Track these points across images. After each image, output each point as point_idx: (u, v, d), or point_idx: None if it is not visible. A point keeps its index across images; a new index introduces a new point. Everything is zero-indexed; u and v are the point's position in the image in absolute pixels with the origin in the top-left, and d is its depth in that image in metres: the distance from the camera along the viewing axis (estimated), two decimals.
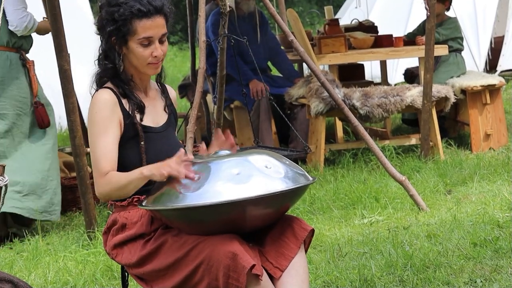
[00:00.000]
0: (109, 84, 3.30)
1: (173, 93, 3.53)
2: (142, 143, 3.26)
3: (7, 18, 5.97)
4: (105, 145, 3.19)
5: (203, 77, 5.67)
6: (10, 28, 5.99)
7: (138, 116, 3.29)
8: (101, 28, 3.28)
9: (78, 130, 5.46)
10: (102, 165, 3.17)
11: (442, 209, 5.60)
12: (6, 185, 3.18)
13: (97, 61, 3.34)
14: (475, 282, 4.18)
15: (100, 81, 3.32)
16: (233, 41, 5.71)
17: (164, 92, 3.46)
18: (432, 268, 4.37)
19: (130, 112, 3.27)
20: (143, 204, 3.14)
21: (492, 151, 7.42)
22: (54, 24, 5.30)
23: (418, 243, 4.80)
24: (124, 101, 3.28)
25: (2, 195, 3.18)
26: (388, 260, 4.50)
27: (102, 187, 3.17)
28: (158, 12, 3.23)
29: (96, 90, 3.31)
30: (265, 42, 7.93)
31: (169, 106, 3.44)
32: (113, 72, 3.29)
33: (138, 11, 3.20)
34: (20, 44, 6.08)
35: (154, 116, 3.35)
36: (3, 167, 3.22)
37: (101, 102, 3.24)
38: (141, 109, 3.31)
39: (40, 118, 6.06)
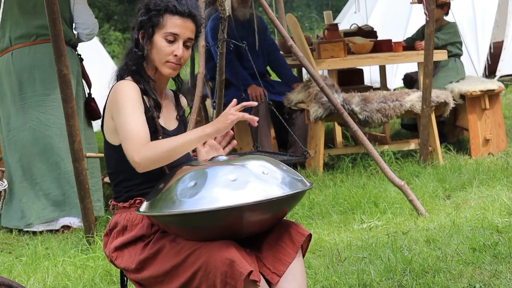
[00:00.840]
0: (130, 78, 3.31)
1: (184, 101, 3.55)
2: (160, 137, 3.25)
3: (78, 20, 6.33)
4: (140, 119, 3.17)
5: (202, 82, 5.68)
6: (83, 31, 6.36)
7: (155, 113, 3.30)
8: (134, 24, 3.33)
9: (77, 135, 5.45)
10: (141, 135, 3.13)
11: (441, 214, 5.60)
12: (5, 190, 3.18)
13: (126, 54, 3.36)
14: (474, 287, 4.18)
15: (127, 71, 3.32)
16: (232, 46, 5.71)
17: (178, 102, 3.48)
18: (431, 273, 4.37)
19: (149, 107, 3.28)
20: (140, 210, 3.14)
21: (491, 156, 7.42)
22: (53, 28, 5.29)
23: (417, 248, 4.80)
24: (144, 97, 3.29)
25: (1, 199, 3.18)
26: (387, 265, 4.50)
27: (148, 151, 3.09)
28: (191, 16, 3.28)
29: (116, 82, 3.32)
30: (264, 47, 7.93)
31: (181, 116, 3.46)
32: (139, 63, 3.30)
33: (174, 7, 3.25)
34: (75, 42, 6.41)
35: (167, 119, 3.35)
36: (2, 171, 3.22)
37: (128, 86, 3.24)
38: (159, 107, 3.32)
39: (94, 110, 6.41)
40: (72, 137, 5.46)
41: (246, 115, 3.12)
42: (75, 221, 6.16)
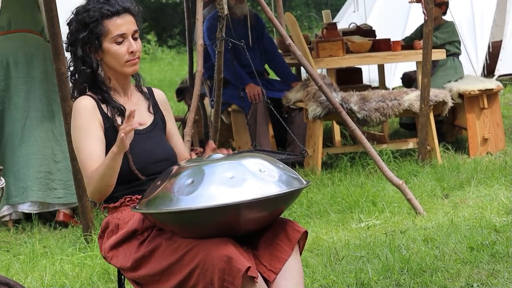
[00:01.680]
0: (88, 92, 3.36)
1: (161, 94, 3.56)
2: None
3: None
4: (88, 146, 3.24)
5: (200, 81, 5.67)
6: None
7: (119, 120, 3.32)
8: (73, 42, 3.34)
9: None
10: (88, 165, 3.22)
11: (439, 213, 5.60)
12: (3, 188, 3.18)
13: (69, 74, 3.39)
14: (472, 286, 4.18)
15: (80, 89, 3.38)
16: (230, 44, 5.71)
17: (148, 95, 3.48)
18: (429, 272, 4.37)
19: (110, 116, 3.31)
20: (137, 207, 3.14)
21: (490, 156, 7.42)
22: (51, 27, 5.29)
23: (415, 247, 4.80)
24: (103, 106, 3.33)
25: None
26: (385, 264, 4.50)
27: (89, 185, 3.22)
28: (126, 10, 3.31)
29: (75, 99, 3.37)
30: (262, 45, 7.93)
31: (153, 107, 3.46)
32: (91, 78, 3.34)
33: (108, 10, 3.28)
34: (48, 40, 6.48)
35: (137, 118, 3.34)
36: (1, 169, 3.22)
37: (80, 107, 3.30)
38: (122, 112, 3.34)
39: None
40: (69, 136, 5.44)
41: (132, 125, 3.09)
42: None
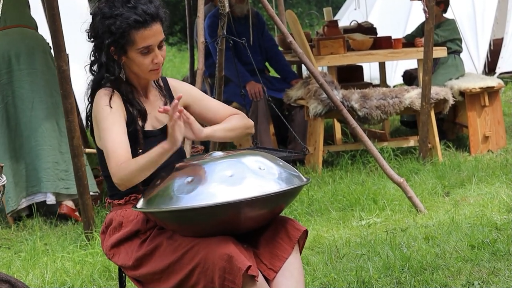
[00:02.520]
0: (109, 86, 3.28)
1: (175, 83, 3.48)
2: (141, 151, 3.23)
3: None
4: (118, 135, 3.15)
5: (201, 78, 5.67)
6: None
7: (140, 123, 3.28)
8: (96, 38, 3.26)
9: (76, 131, 5.45)
10: (119, 153, 3.11)
11: (440, 211, 5.60)
12: (4, 185, 3.18)
13: (90, 67, 3.32)
14: (473, 284, 4.17)
15: (99, 86, 3.30)
16: (231, 42, 5.70)
17: (163, 90, 3.43)
18: (429, 270, 4.37)
19: (133, 118, 3.25)
20: (137, 206, 3.13)
21: (491, 154, 7.42)
22: (52, 24, 5.29)
23: (416, 245, 4.80)
24: (128, 106, 3.27)
25: (0, 194, 3.17)
26: (386, 262, 4.50)
27: (123, 171, 3.09)
28: (154, 19, 3.23)
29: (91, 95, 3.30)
30: (262, 43, 7.93)
31: (170, 102, 3.40)
32: (115, 82, 3.27)
33: (135, 22, 3.19)
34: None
35: (154, 119, 3.33)
36: (1, 167, 3.22)
37: (104, 96, 3.22)
38: (144, 116, 3.30)
39: None
40: (71, 133, 5.46)
41: (175, 108, 3.00)
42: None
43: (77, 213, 6.26)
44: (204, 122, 3.38)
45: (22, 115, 6.30)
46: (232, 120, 3.38)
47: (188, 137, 3.18)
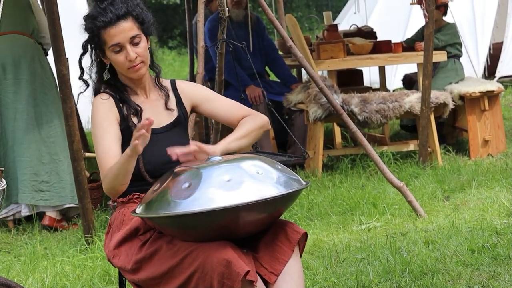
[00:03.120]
0: (106, 90, 3.39)
1: (184, 85, 3.52)
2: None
3: (40, 26, 6.49)
4: (106, 143, 3.27)
5: (201, 82, 5.67)
6: (42, 35, 6.48)
7: (135, 120, 3.34)
8: (85, 45, 3.40)
9: (76, 135, 5.45)
10: (105, 162, 3.25)
11: (440, 216, 5.60)
12: (4, 190, 3.17)
13: (89, 70, 3.43)
14: None
15: (98, 91, 3.42)
16: (231, 46, 5.71)
17: (164, 89, 3.46)
18: (429, 275, 4.37)
19: (126, 116, 3.33)
20: (136, 211, 3.14)
21: (490, 158, 7.42)
22: (52, 28, 5.29)
23: (416, 250, 4.80)
24: (121, 105, 3.36)
25: (0, 198, 3.17)
26: (386, 267, 4.50)
27: (104, 181, 3.24)
28: (121, 17, 3.30)
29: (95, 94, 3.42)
30: (262, 47, 7.93)
31: (177, 103, 3.44)
32: (107, 82, 3.39)
33: (102, 22, 3.29)
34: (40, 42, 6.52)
35: (154, 117, 3.33)
36: (2, 171, 3.22)
37: (98, 104, 3.35)
38: (137, 113, 3.35)
39: None
40: (71, 137, 5.46)
41: (143, 124, 3.06)
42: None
43: (63, 223, 6.26)
44: (219, 121, 3.44)
45: (7, 124, 6.32)
46: (244, 125, 3.42)
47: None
